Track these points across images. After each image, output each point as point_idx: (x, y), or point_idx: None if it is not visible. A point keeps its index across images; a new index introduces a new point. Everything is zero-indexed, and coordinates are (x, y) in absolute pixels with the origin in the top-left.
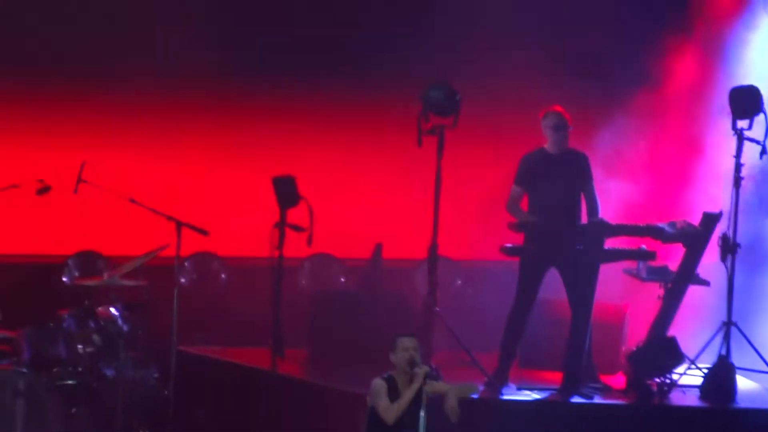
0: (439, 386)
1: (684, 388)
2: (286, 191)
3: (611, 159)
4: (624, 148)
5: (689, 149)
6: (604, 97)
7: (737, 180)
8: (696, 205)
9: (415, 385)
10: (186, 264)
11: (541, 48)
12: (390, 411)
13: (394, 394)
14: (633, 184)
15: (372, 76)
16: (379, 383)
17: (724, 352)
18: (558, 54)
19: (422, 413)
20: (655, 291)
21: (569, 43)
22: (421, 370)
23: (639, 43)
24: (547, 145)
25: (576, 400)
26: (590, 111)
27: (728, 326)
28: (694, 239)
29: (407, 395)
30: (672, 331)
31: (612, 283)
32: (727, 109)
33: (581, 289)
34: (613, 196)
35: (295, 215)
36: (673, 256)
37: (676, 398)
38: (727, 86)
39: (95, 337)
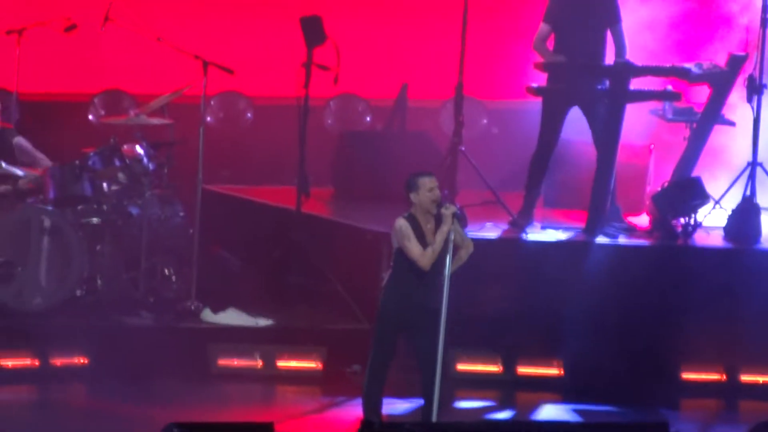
0: (459, 230)
1: (708, 229)
2: (313, 30)
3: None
4: None
5: None
6: None
7: (764, 21)
8: (723, 47)
9: (446, 228)
10: (212, 103)
11: None
12: (425, 257)
13: (417, 233)
14: (660, 26)
15: None
16: (403, 224)
17: (748, 192)
18: None
19: (449, 255)
20: (681, 131)
21: None
22: (448, 210)
23: None
24: None
25: (600, 239)
26: None
27: (753, 167)
28: (720, 80)
29: (440, 239)
30: (697, 172)
31: (638, 123)
32: None
33: (606, 130)
34: (639, 38)
35: (322, 55)
36: (699, 97)
37: (700, 239)
38: None
39: (120, 175)
